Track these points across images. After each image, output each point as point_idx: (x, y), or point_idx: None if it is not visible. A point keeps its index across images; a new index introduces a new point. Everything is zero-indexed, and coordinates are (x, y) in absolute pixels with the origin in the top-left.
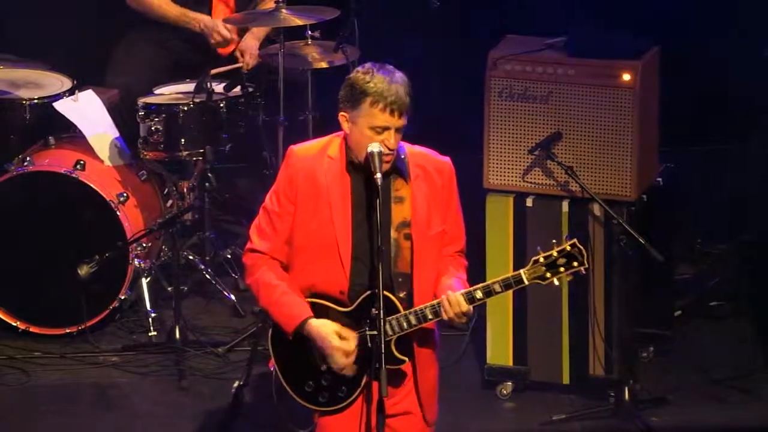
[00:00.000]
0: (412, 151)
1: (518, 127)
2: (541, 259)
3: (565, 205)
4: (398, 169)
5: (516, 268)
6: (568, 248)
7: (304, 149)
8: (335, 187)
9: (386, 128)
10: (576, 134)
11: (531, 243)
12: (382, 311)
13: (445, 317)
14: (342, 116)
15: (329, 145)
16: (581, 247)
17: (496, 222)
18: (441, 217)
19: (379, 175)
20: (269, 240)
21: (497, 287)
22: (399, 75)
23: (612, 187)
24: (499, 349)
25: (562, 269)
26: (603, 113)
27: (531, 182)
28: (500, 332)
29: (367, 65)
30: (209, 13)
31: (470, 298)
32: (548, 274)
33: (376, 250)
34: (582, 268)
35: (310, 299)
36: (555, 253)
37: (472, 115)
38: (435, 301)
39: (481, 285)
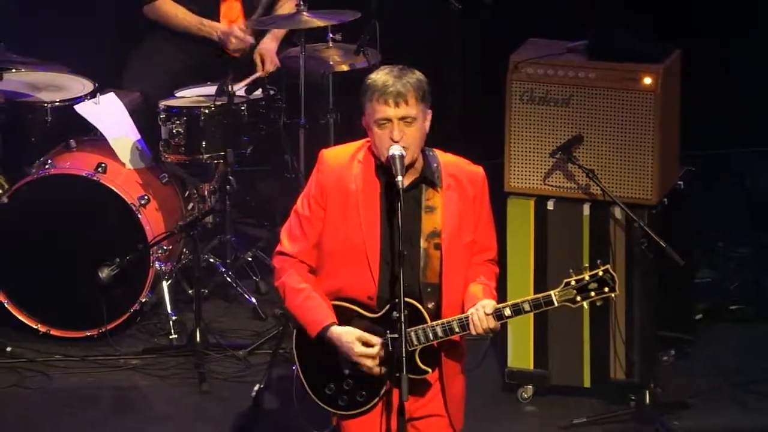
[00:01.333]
0: (445, 159)
1: (539, 130)
2: (573, 282)
3: (586, 209)
4: (430, 178)
5: (537, 271)
6: (601, 273)
7: (335, 153)
8: (364, 192)
9: (387, 119)
10: (597, 137)
11: (552, 246)
12: (403, 314)
13: (473, 332)
14: (362, 121)
15: (360, 150)
16: (613, 273)
17: (517, 225)
18: (472, 227)
19: (400, 178)
20: (298, 243)
21: (526, 306)
22: (408, 71)
23: (633, 190)
24: (520, 353)
25: (593, 294)
26: (624, 116)
27: (552, 185)
28: (521, 335)
29: (382, 67)
30: (217, 15)
31: (499, 316)
32: (578, 298)
33: (398, 254)
34: (613, 295)
35: (336, 302)
36: (587, 277)
37: (492, 119)
38: (462, 315)
39: (510, 303)
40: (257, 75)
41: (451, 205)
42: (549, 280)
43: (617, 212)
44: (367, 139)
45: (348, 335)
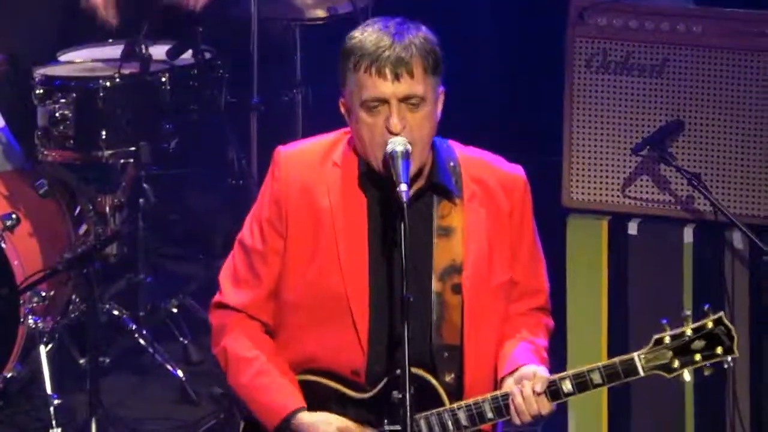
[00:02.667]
0: (466, 156)
1: (616, 113)
2: (667, 339)
3: (687, 233)
4: (443, 185)
5: (613, 324)
6: (710, 325)
7: (298, 153)
8: (345, 211)
9: (381, 100)
10: (706, 125)
11: (635, 288)
12: (409, 393)
13: (515, 420)
14: (341, 104)
15: (335, 147)
16: (729, 324)
17: (582, 257)
18: (508, 259)
19: (404, 187)
20: (246, 291)
21: (597, 377)
22: (410, 26)
23: (761, 205)
24: None
25: (698, 357)
26: (748, 93)
27: (635, 198)
28: (589, 419)
29: (370, 20)
30: None
31: (554, 393)
32: (676, 363)
33: (401, 301)
34: (729, 358)
35: (305, 376)
36: (689, 332)
37: (550, 99)
38: (498, 393)
39: (571, 372)
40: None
41: (477, 224)
42: (631, 338)
43: (736, 238)
44: (346, 130)
45: (324, 424)
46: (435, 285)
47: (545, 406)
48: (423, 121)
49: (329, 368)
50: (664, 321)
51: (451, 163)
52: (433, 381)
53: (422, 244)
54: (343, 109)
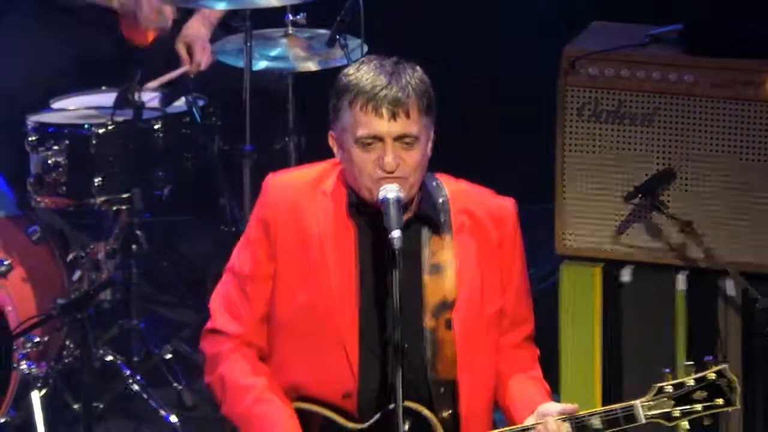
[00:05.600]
0: (456, 189)
1: (608, 161)
2: (669, 388)
3: (680, 280)
4: (430, 216)
5: (607, 372)
6: (713, 376)
7: (289, 180)
8: (333, 239)
9: (377, 138)
10: (697, 172)
11: (629, 335)
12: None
13: None
14: (330, 137)
15: (325, 176)
16: (732, 376)
17: (576, 304)
18: (499, 289)
19: (395, 234)
20: (238, 317)
21: (596, 422)
22: (404, 67)
23: (752, 252)
24: None
25: (699, 407)
26: (738, 140)
27: (628, 245)
28: None
29: (365, 58)
30: None
31: (580, 429)
32: (677, 412)
33: (393, 346)
34: (730, 409)
35: (298, 404)
36: (691, 382)
37: (541, 145)
38: (518, 427)
39: (573, 415)
40: (182, 69)
41: (468, 257)
42: (625, 384)
43: (729, 286)
44: (335, 161)
45: None
46: (428, 322)
47: None
48: (415, 160)
49: (318, 395)
50: (667, 370)
51: (440, 197)
52: (432, 417)
53: (411, 280)
54: (332, 142)
